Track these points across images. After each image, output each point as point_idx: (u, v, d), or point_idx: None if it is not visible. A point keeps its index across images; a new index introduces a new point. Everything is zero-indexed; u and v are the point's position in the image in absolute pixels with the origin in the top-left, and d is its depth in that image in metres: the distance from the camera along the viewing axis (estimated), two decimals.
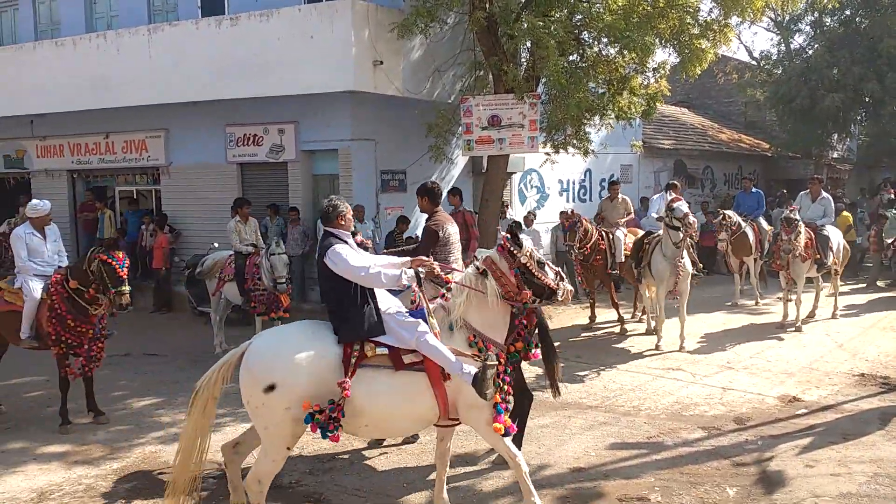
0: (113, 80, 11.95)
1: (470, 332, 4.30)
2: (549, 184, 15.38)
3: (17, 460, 5.79)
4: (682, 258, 8.90)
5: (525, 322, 4.84)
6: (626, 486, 4.98)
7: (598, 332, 10.22)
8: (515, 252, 4.31)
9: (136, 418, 6.75)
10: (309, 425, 4.08)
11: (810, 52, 20.62)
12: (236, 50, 10.97)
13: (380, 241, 11.11)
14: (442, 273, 4.66)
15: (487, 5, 10.06)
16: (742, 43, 25.14)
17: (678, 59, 11.33)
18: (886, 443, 5.64)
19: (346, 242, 4.39)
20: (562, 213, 12.09)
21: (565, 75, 9.90)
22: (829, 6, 17.52)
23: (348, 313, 4.21)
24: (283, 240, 11.73)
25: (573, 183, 16.19)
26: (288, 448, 4.22)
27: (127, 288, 6.32)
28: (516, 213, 13.51)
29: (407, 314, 4.31)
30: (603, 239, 10.32)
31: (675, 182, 10.29)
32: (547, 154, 12.06)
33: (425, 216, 5.98)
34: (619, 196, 11.03)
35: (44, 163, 14.24)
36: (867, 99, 19.55)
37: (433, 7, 10.25)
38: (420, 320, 4.24)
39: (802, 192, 11.03)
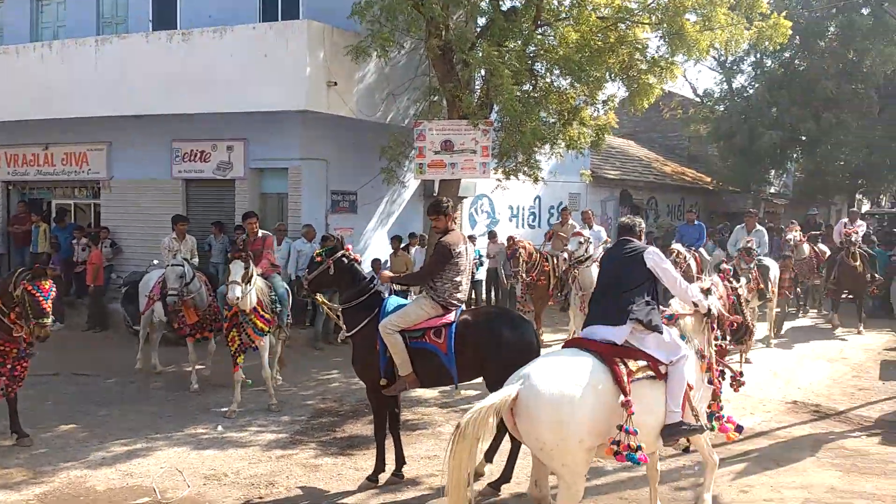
0: (56, 90, 11.59)
1: (698, 345, 4.57)
2: (499, 209, 15.53)
3: None
4: None
5: None
6: None
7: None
8: (734, 283, 4.78)
9: (63, 441, 6.42)
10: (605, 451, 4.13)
11: (751, 91, 21.53)
12: (187, 65, 10.80)
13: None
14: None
15: (443, 33, 10.18)
16: (687, 80, 26.06)
17: (626, 93, 11.70)
18: (817, 469, 5.79)
19: None
20: (508, 238, 12.32)
21: (519, 104, 10.06)
22: (770, 49, 18.34)
23: (637, 306, 4.34)
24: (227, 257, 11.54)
25: (523, 209, 16.41)
26: (584, 475, 4.27)
27: (48, 320, 5.90)
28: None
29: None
30: (547, 261, 10.65)
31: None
32: (498, 180, 12.18)
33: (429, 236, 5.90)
34: (570, 222, 11.35)
35: None
36: (803, 137, 20.48)
37: (389, 32, 10.31)
38: (683, 343, 4.44)
39: (738, 226, 11.42)
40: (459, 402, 7.75)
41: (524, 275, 10.41)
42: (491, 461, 5.52)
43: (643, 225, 4.83)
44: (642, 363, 4.27)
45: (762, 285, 10.24)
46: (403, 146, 11.24)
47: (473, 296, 13.17)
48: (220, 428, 6.78)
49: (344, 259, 5.55)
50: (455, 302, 5.41)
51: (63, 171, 12.94)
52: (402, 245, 11.92)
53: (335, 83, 10.68)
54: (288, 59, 10.38)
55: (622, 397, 4.06)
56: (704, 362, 4.56)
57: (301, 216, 11.46)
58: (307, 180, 11.48)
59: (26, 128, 12.55)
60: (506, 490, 5.38)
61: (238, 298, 6.91)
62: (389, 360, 5.30)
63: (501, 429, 5.35)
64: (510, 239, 11.15)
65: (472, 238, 13.18)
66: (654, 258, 4.48)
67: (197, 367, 8.41)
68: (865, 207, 29.13)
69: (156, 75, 10.95)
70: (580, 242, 9.13)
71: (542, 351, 5.48)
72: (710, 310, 4.59)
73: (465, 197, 14.07)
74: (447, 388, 6.07)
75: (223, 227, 11.71)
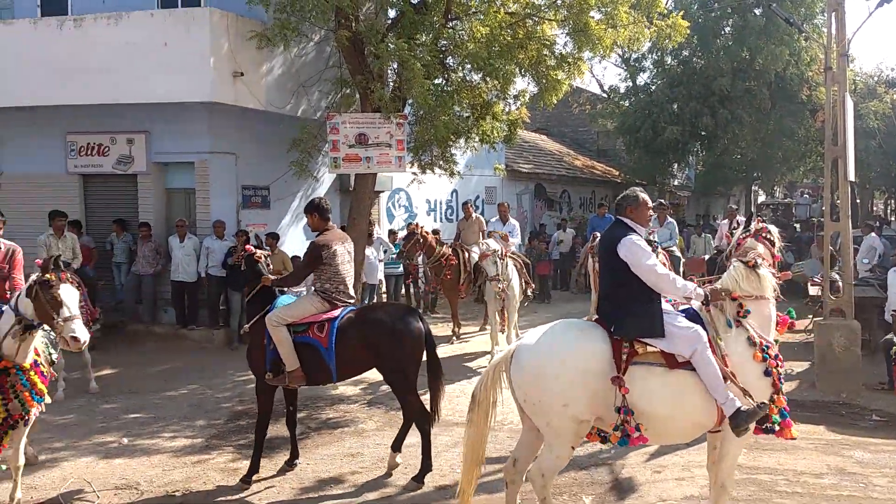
0: None
1: (749, 331, 4.07)
2: (416, 203, 15.53)
3: None
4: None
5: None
6: (489, 500, 5.01)
7: (462, 348, 10.36)
8: (772, 238, 4.33)
9: None
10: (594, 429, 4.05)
11: (653, 87, 22.49)
12: (80, 53, 10.14)
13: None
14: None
15: (353, 24, 10.03)
16: (594, 76, 27.00)
17: (537, 89, 11.93)
18: None
19: (639, 235, 4.18)
20: (408, 225, 12.50)
21: (432, 97, 10.07)
22: (670, 47, 19.20)
23: (632, 308, 4.03)
24: (133, 257, 11.00)
25: (440, 203, 16.48)
26: (572, 447, 4.14)
27: None
28: (384, 232, 13.49)
29: (683, 317, 4.10)
30: (455, 256, 10.79)
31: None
32: (414, 174, 12.17)
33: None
34: (473, 215, 11.64)
35: None
36: (702, 132, 21.59)
37: (297, 22, 10.06)
38: (699, 327, 4.02)
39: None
40: (383, 398, 7.69)
41: (416, 259, 10.84)
42: (399, 450, 5.55)
43: (641, 198, 4.26)
44: (654, 348, 4.01)
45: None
46: (316, 139, 11.03)
47: (389, 291, 13.14)
48: (124, 440, 6.42)
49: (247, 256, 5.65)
50: (342, 299, 5.45)
51: None
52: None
53: (241, 73, 10.32)
54: (190, 47, 9.93)
55: (612, 373, 3.93)
56: (756, 350, 4.04)
57: (210, 212, 11.03)
58: (215, 175, 11.06)
59: None
60: (430, 483, 5.38)
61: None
62: (275, 353, 5.31)
63: (407, 419, 5.45)
64: (410, 226, 11.41)
65: (392, 233, 13.20)
66: (626, 251, 4.05)
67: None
68: (762, 198, 31.08)
69: (46, 64, 10.23)
70: (494, 262, 9.13)
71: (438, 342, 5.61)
72: (707, 298, 4.09)
73: (382, 191, 13.99)
74: (327, 385, 6.00)
75: (125, 225, 11.13)
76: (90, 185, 11.59)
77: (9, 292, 5.01)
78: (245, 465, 5.66)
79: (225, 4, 10.36)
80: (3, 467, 4.98)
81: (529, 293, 10.41)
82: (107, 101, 10.36)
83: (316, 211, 5.59)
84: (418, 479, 5.31)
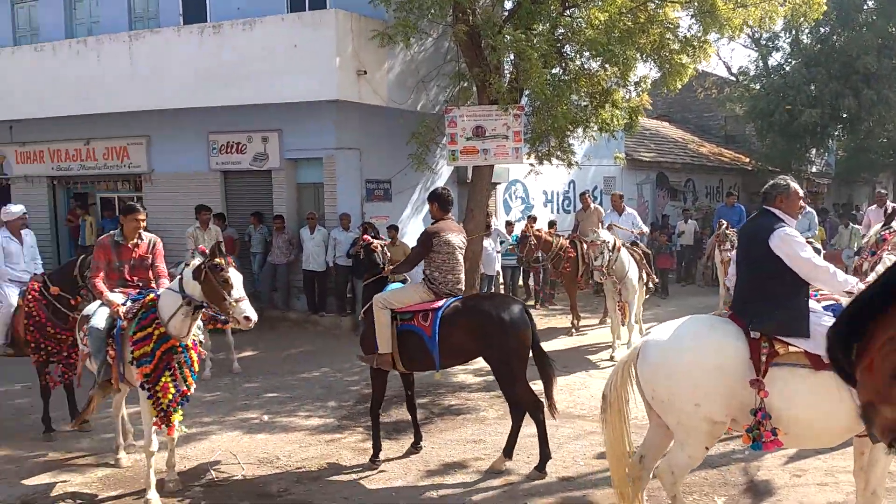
0: (93, 86, 11.82)
1: None
2: (533, 194, 15.47)
3: (1, 468, 5.66)
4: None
5: None
6: (614, 495, 4.97)
7: (581, 340, 10.25)
8: None
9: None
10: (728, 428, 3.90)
11: (787, 68, 21.05)
12: (219, 58, 10.93)
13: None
14: None
15: (470, 18, 10.13)
16: (721, 59, 25.68)
17: (659, 74, 11.53)
18: None
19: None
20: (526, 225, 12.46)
21: (549, 87, 10.00)
22: (806, 25, 17.89)
23: (776, 304, 3.78)
24: (268, 248, 11.74)
25: (557, 194, 16.32)
26: (706, 448, 3.98)
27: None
28: (501, 223, 13.56)
29: (830, 315, 3.79)
30: (573, 248, 10.65)
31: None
32: (531, 165, 12.14)
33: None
34: (591, 206, 11.42)
35: (23, 169, 14.01)
36: (844, 115, 19.98)
37: (416, 18, 10.32)
38: None
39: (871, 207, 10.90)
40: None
41: (537, 257, 10.79)
42: (510, 457, 5.51)
43: (792, 188, 3.98)
44: (796, 348, 3.72)
45: None
46: (434, 133, 11.27)
47: (506, 282, 13.20)
48: (265, 418, 6.91)
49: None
50: (449, 290, 5.51)
51: (105, 165, 13.22)
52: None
53: (365, 72, 10.72)
54: (318, 49, 10.43)
55: (750, 375, 3.69)
56: None
57: (337, 205, 11.56)
58: (342, 169, 11.57)
59: (67, 123, 12.83)
60: (553, 474, 5.41)
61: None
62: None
63: (515, 420, 5.45)
64: (527, 226, 11.42)
65: (509, 224, 13.25)
66: (779, 242, 3.79)
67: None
68: None
69: (189, 69, 11.12)
70: (601, 253, 8.86)
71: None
72: None
73: (499, 183, 14.05)
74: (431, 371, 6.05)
75: (262, 218, 11.88)
76: (230, 180, 12.48)
77: (153, 280, 5.48)
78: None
79: (348, 5, 10.79)
80: (185, 429, 5.59)
81: (651, 285, 10.06)
82: (244, 103, 11.09)
83: (437, 200, 5.68)
84: (540, 469, 5.33)
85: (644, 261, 9.77)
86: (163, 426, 4.93)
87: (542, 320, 11.77)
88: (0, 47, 13.33)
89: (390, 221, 12.07)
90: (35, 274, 6.62)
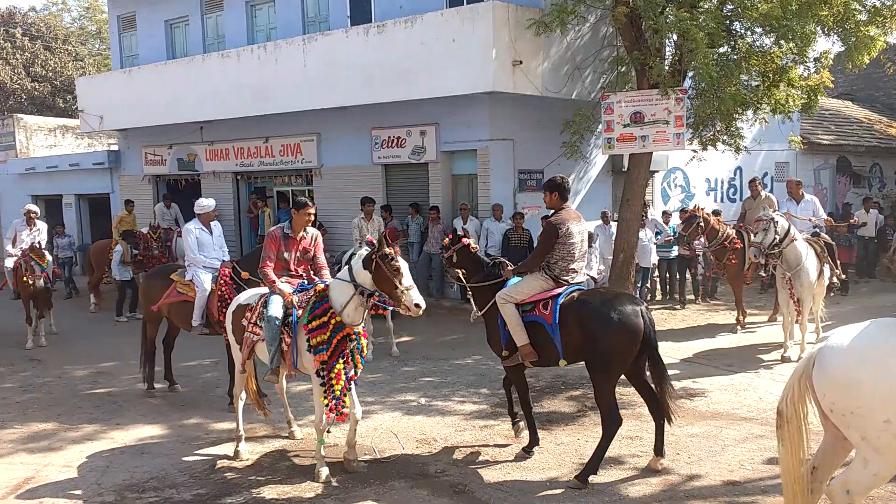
0: (271, 88, 12.89)
1: None
2: (694, 182, 14.72)
3: (192, 435, 6.42)
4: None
5: None
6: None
7: (748, 338, 9.63)
8: None
9: (296, 401, 7.20)
10: None
11: None
12: (382, 56, 11.47)
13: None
14: None
15: (631, 0, 9.81)
16: None
17: (843, 49, 10.47)
18: None
19: None
20: (685, 210, 11.75)
21: (716, 68, 9.46)
22: None
23: None
24: (425, 237, 12.18)
25: (721, 182, 15.39)
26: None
27: None
28: (658, 213, 13.05)
29: None
30: (740, 239, 9.95)
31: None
32: (694, 151, 11.57)
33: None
34: (762, 193, 10.59)
35: (212, 165, 15.60)
36: None
37: (574, 4, 10.17)
38: None
39: None
40: None
41: (703, 243, 10.09)
42: (661, 454, 5.30)
43: None
44: None
45: None
46: (589, 120, 11.07)
47: (662, 275, 12.65)
48: (422, 401, 7.21)
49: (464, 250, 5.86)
50: (567, 278, 5.41)
51: (281, 161, 14.39)
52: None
53: (520, 62, 10.75)
54: (474, 41, 10.62)
55: None
56: None
57: (490, 196, 11.74)
58: (495, 160, 11.71)
59: (249, 123, 14.10)
60: (716, 477, 5.18)
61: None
62: (509, 333, 5.46)
63: (655, 418, 5.25)
64: (686, 210, 10.80)
65: (665, 214, 12.71)
66: None
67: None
68: None
69: (355, 68, 11.77)
70: (764, 230, 8.16)
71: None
72: None
73: (657, 171, 13.53)
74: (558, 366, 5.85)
75: (419, 209, 12.35)
76: (390, 173, 13.09)
77: (314, 271, 5.82)
78: (525, 434, 6.00)
79: None
80: (361, 414, 5.61)
81: (836, 280, 9.01)
82: (404, 98, 11.56)
83: (557, 189, 5.53)
84: (580, 478, 5.05)
85: (826, 253, 8.88)
86: (332, 415, 5.15)
87: (702, 316, 11.22)
88: (192, 56, 14.90)
89: (542, 212, 12.04)
90: (224, 260, 7.37)
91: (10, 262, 10.54)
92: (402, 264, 4.98)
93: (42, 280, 10.07)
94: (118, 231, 13.27)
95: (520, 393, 5.79)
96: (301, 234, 5.81)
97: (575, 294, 5.38)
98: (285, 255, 5.76)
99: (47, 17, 32.55)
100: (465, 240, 5.93)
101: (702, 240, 10.33)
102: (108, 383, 8.26)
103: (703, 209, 10.44)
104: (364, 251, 5.19)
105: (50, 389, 8.05)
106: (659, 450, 5.31)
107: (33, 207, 11.07)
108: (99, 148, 20.53)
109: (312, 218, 5.87)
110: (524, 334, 5.41)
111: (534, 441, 5.70)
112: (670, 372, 7.65)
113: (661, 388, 5.25)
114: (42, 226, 10.86)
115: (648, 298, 11.96)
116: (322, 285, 5.43)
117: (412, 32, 11.24)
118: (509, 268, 5.69)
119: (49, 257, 10.60)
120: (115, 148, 18.35)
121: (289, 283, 5.66)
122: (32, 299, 10.15)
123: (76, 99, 18.11)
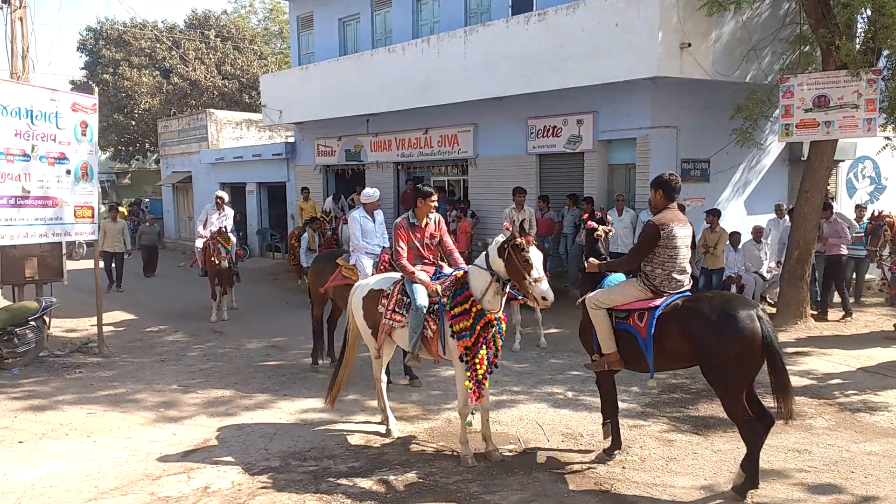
0: (433, 80, 13.25)
1: None
2: (885, 174, 13.17)
3: (349, 409, 6.83)
4: None
5: None
6: None
7: None
8: None
9: (445, 385, 7.43)
10: None
11: None
12: (541, 44, 11.36)
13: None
14: None
15: None
16: None
17: None
18: None
19: None
20: (869, 218, 10.41)
21: None
22: None
23: None
24: (577, 230, 11.94)
25: None
26: None
27: None
28: (843, 207, 11.82)
29: None
30: None
31: None
32: (887, 139, 10.34)
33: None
34: None
35: (375, 156, 16.39)
36: None
37: None
38: None
39: None
40: (831, 389, 6.91)
41: (884, 255, 9.09)
42: (748, 478, 4.75)
43: None
44: None
45: None
46: (763, 105, 10.25)
47: (847, 276, 11.42)
48: (569, 394, 7.12)
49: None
50: (667, 289, 4.92)
51: (439, 151, 14.79)
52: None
53: (689, 44, 10.17)
54: (639, 25, 10.20)
55: None
56: None
57: (648, 186, 11.24)
58: (656, 149, 11.21)
59: (410, 115, 14.62)
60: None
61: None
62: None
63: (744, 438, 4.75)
64: (876, 213, 9.60)
65: (859, 208, 11.44)
66: None
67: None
68: None
69: (514, 58, 11.76)
70: None
71: None
72: None
73: (843, 160, 12.26)
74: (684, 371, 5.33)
75: (576, 200, 12.14)
76: (544, 163, 12.99)
77: (444, 255, 5.90)
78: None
79: None
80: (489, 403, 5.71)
81: None
82: (562, 87, 11.38)
83: (662, 187, 5.06)
84: (737, 491, 4.63)
85: None
86: (474, 397, 5.28)
87: (888, 321, 10.03)
88: (361, 52, 15.69)
89: (707, 204, 11.37)
90: (384, 247, 7.73)
91: (199, 243, 11.80)
92: (534, 255, 4.95)
93: (226, 261, 11.17)
94: (301, 219, 14.41)
95: (603, 394, 5.54)
96: (425, 221, 5.97)
97: (678, 301, 4.93)
98: (415, 243, 5.91)
99: (236, 20, 35.76)
100: (590, 223, 5.65)
101: (887, 249, 9.28)
102: (278, 356, 9.01)
103: (889, 214, 9.35)
104: (501, 238, 5.20)
105: (229, 360, 8.93)
106: (753, 479, 4.72)
107: (222, 194, 12.28)
108: (278, 140, 22.33)
109: (436, 205, 6.02)
110: (613, 343, 5.13)
111: (616, 445, 5.48)
112: (847, 381, 7.01)
113: (780, 402, 4.76)
114: (229, 211, 12.03)
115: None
116: (461, 272, 5.51)
117: (574, 18, 11.02)
118: (593, 261, 5.33)
119: (234, 240, 11.73)
120: (292, 140, 19.85)
121: (424, 270, 5.80)
122: (217, 277, 11.30)
123: (260, 94, 19.78)
